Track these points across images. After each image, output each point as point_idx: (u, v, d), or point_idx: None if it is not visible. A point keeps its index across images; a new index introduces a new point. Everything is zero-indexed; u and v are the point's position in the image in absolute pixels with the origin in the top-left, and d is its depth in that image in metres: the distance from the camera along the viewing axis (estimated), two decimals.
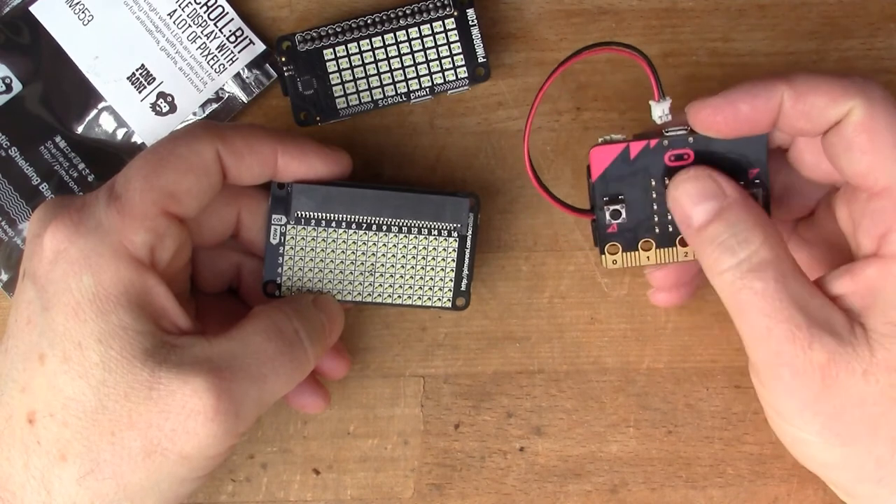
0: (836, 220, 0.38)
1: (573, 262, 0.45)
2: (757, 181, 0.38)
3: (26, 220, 0.44)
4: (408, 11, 0.43)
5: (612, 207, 0.38)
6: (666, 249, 0.39)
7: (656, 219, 0.39)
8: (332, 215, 0.41)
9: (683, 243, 0.39)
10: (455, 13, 0.43)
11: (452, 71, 0.43)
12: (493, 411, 0.45)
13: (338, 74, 0.43)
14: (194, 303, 0.41)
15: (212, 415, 0.34)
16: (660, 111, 0.37)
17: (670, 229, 0.39)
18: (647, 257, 0.39)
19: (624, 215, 0.38)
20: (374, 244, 0.41)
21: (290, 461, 0.45)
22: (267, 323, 0.37)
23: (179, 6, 0.44)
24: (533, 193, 0.45)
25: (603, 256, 0.39)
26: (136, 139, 0.44)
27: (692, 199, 0.36)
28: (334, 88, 0.43)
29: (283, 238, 0.41)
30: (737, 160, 0.38)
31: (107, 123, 0.44)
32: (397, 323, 0.45)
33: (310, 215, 0.41)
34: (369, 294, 0.42)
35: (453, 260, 0.42)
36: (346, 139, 0.45)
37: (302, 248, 0.41)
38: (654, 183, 0.38)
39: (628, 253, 0.39)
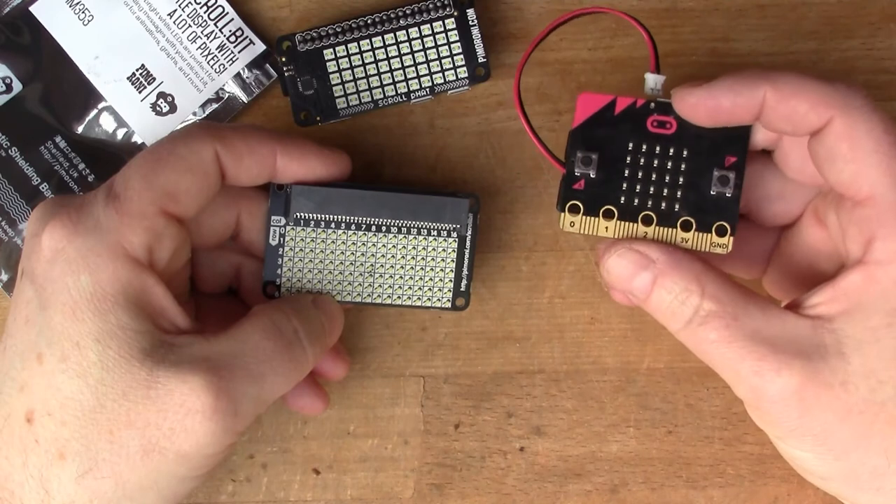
0: (819, 228, 0.38)
1: (573, 262, 0.45)
2: (731, 170, 0.37)
3: (26, 220, 0.44)
4: (408, 11, 0.43)
5: (583, 161, 0.38)
6: (626, 224, 0.38)
7: (624, 186, 0.38)
8: (331, 216, 0.41)
9: (647, 222, 0.38)
10: (455, 13, 0.43)
11: (452, 71, 0.43)
12: (493, 411, 0.45)
13: (338, 74, 0.43)
14: (193, 303, 0.41)
15: (210, 413, 0.34)
16: (653, 83, 0.38)
17: (636, 202, 0.38)
18: (606, 227, 0.38)
19: (593, 173, 0.38)
20: (374, 245, 0.41)
21: (290, 461, 0.45)
22: (266, 322, 0.37)
23: (179, 6, 0.44)
24: (533, 193, 0.45)
25: (562, 215, 0.38)
26: (136, 139, 0.44)
27: (626, 276, 0.37)
28: (334, 88, 0.43)
29: (282, 239, 0.41)
30: (716, 142, 0.37)
31: (107, 123, 0.44)
32: (397, 323, 0.45)
33: (309, 216, 0.41)
34: (369, 295, 0.42)
35: (453, 260, 0.42)
36: (346, 139, 0.45)
37: (301, 250, 0.41)
38: (631, 146, 0.38)
39: (588, 217, 0.38)
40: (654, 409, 0.45)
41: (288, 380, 0.37)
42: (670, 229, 0.38)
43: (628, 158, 0.38)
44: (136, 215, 0.35)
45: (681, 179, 0.37)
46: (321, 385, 0.43)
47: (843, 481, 0.36)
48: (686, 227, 0.37)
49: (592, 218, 0.38)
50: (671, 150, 0.38)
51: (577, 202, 0.38)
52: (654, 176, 0.38)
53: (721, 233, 0.37)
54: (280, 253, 0.41)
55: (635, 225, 0.38)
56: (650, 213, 0.38)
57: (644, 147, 0.38)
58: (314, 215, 0.41)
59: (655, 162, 0.38)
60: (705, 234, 0.37)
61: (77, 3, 0.44)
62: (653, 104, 0.38)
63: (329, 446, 0.45)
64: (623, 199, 0.38)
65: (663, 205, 0.38)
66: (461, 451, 0.45)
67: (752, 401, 0.36)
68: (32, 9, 0.44)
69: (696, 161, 0.37)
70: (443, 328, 0.45)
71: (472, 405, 0.45)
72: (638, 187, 0.38)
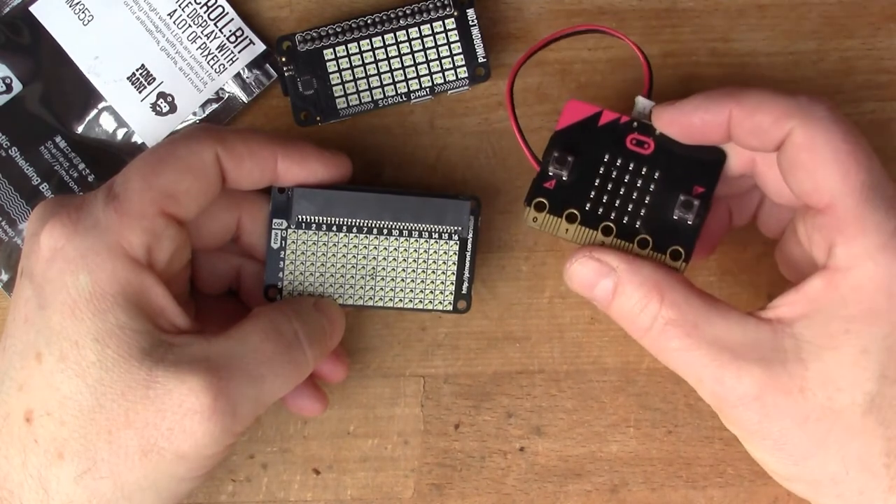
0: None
1: None
2: (697, 198, 0.38)
3: (26, 220, 0.44)
4: (408, 11, 0.43)
5: (558, 163, 0.38)
6: (586, 230, 0.38)
7: (592, 194, 0.38)
8: (332, 219, 0.41)
9: (606, 232, 0.38)
10: (455, 13, 0.43)
11: (452, 71, 0.43)
12: (493, 411, 0.45)
13: (338, 74, 0.43)
14: (193, 303, 0.41)
15: (209, 414, 0.34)
16: (642, 107, 0.39)
17: (599, 211, 0.38)
18: (567, 230, 0.38)
19: (566, 176, 0.38)
20: (375, 248, 0.41)
21: (290, 461, 0.45)
22: (266, 323, 0.37)
23: (179, 6, 0.44)
24: None
25: (527, 209, 0.38)
26: (137, 139, 0.44)
27: (588, 284, 0.37)
28: (334, 88, 0.43)
29: (284, 242, 0.41)
30: (689, 171, 0.38)
31: (107, 123, 0.44)
32: (397, 323, 0.45)
33: (311, 219, 0.41)
34: (370, 298, 0.42)
35: (454, 263, 0.42)
36: (346, 139, 0.45)
37: (303, 253, 0.41)
38: (606, 158, 0.38)
39: (552, 217, 0.38)
40: (654, 409, 0.45)
41: (287, 382, 0.37)
42: (627, 244, 0.38)
43: (601, 169, 0.38)
44: (136, 215, 0.35)
45: (647, 199, 0.38)
46: (320, 387, 0.43)
47: (806, 485, 0.36)
48: (643, 244, 0.38)
49: (555, 218, 0.38)
50: (644, 170, 0.38)
51: (543, 200, 0.38)
52: (622, 190, 0.38)
53: (675, 257, 0.38)
54: (282, 256, 0.41)
55: (595, 233, 0.38)
56: (611, 224, 0.38)
57: (619, 161, 0.38)
58: (316, 218, 0.41)
59: (627, 177, 0.38)
60: (660, 255, 0.38)
61: (77, 3, 0.44)
62: (635, 123, 0.38)
63: (329, 446, 0.45)
64: (588, 206, 0.38)
65: (625, 219, 0.38)
66: (461, 451, 0.45)
67: (715, 405, 0.36)
68: (32, 9, 0.44)
69: (665, 185, 0.38)
70: (442, 328, 0.45)
71: (472, 405, 0.45)
72: (605, 198, 0.38)
